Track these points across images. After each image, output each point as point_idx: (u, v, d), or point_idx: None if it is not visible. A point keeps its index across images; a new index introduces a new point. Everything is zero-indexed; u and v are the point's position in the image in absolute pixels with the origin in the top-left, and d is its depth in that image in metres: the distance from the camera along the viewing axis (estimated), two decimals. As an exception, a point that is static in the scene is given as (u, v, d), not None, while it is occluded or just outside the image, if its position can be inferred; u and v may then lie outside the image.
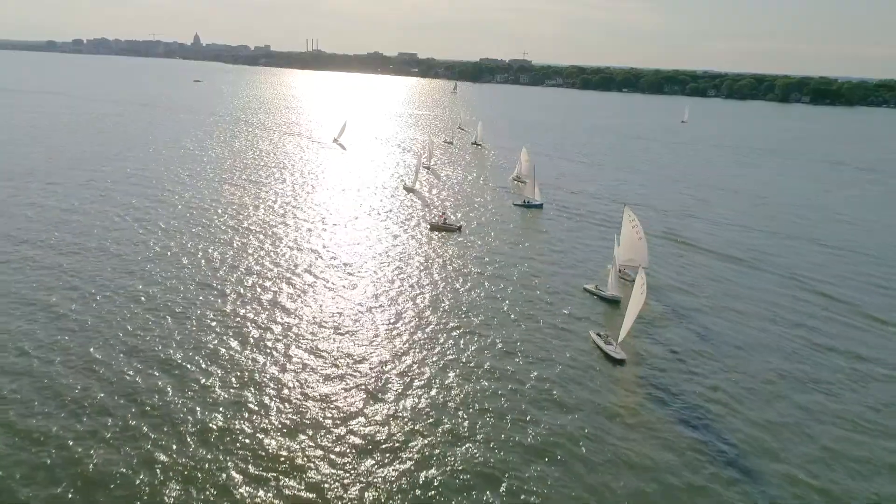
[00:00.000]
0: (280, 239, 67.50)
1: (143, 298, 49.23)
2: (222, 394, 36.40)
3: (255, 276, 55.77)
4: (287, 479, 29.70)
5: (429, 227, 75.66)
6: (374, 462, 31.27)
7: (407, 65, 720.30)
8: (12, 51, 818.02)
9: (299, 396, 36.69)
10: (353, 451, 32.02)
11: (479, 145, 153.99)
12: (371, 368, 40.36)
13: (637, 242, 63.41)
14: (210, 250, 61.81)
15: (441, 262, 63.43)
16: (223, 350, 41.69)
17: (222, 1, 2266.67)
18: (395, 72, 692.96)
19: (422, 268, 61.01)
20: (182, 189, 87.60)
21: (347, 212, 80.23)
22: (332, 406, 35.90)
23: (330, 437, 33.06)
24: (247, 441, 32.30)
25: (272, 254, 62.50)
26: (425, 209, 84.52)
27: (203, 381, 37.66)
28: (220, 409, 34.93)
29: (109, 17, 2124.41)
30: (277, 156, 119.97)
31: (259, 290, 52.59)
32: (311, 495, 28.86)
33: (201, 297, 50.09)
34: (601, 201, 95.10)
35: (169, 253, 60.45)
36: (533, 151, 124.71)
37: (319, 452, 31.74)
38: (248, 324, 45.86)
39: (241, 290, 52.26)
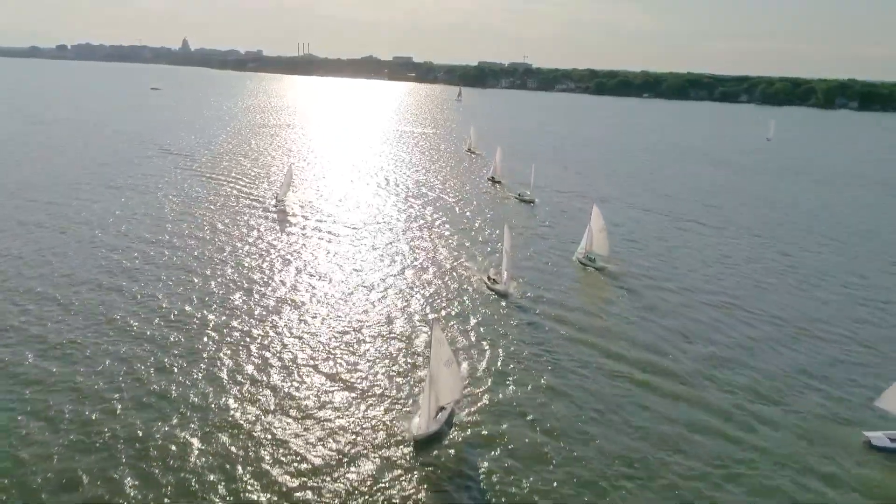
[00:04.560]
0: None
1: None
2: None
3: None
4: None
5: None
6: None
7: (403, 69, 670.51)
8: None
9: None
10: None
11: (495, 179, 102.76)
12: None
13: None
14: None
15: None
16: None
17: (219, 3, 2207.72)
18: (390, 76, 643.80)
19: None
20: None
21: None
22: None
23: None
24: None
25: None
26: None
27: None
28: None
29: (109, 17, 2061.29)
30: (176, 248, 63.10)
31: None
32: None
33: None
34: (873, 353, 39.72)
35: None
36: (611, 199, 71.40)
37: None
38: None
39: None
